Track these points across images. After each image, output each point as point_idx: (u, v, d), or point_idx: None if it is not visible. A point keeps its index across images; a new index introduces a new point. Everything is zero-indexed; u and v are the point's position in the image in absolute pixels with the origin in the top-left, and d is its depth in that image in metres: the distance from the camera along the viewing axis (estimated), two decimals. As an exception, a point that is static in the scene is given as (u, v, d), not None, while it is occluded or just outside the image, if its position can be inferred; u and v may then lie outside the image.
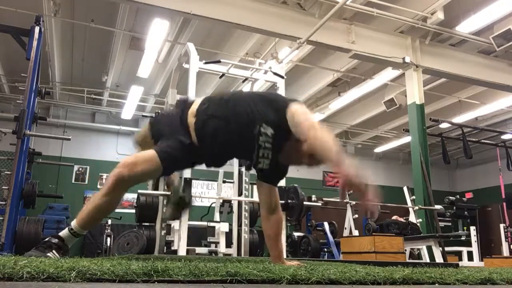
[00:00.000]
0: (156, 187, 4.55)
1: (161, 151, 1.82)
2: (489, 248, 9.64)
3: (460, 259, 6.84)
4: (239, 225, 4.56)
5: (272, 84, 4.97)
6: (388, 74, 7.85)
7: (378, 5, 5.93)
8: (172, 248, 4.27)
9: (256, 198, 4.58)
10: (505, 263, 4.48)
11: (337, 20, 6.11)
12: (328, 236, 6.38)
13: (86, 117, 10.48)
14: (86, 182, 10.01)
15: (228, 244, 4.75)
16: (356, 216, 6.57)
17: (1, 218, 4.03)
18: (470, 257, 6.45)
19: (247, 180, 4.71)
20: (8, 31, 4.05)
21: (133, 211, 4.84)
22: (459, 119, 9.20)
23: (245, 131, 1.81)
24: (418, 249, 6.12)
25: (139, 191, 4.07)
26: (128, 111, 9.76)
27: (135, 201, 4.74)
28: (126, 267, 1.05)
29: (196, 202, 5.65)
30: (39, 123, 5.53)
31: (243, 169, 4.70)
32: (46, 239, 1.74)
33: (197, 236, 5.30)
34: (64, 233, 1.77)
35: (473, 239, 6.05)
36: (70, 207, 8.11)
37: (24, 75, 3.79)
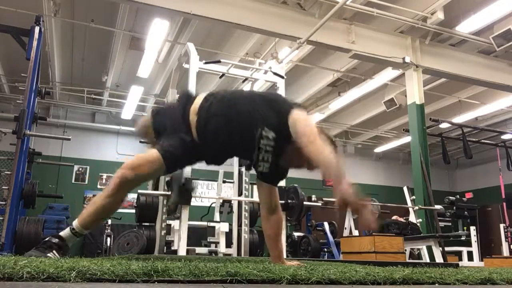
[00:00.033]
0: (156, 187, 4.56)
1: (164, 150, 1.84)
2: (489, 248, 9.64)
3: (460, 259, 6.84)
4: (239, 225, 4.56)
5: (272, 84, 4.96)
6: (388, 74, 7.85)
7: (378, 5, 5.93)
8: (172, 248, 4.27)
9: (256, 198, 4.58)
10: (505, 263, 4.48)
11: (337, 20, 6.11)
12: (328, 236, 6.38)
13: (86, 117, 10.48)
14: (86, 182, 10.00)
15: (228, 244, 4.75)
16: (356, 216, 6.56)
17: (1, 218, 4.03)
18: (470, 257, 6.45)
19: (247, 180, 4.71)
20: (8, 31, 4.05)
21: (133, 211, 4.85)
22: (459, 119, 9.20)
23: (247, 132, 1.82)
24: (418, 249, 6.12)
25: (139, 191, 4.07)
26: (128, 111, 9.76)
27: (135, 201, 4.74)
28: (126, 267, 1.05)
29: (196, 202, 5.65)
30: (39, 123, 5.53)
31: (243, 169, 4.70)
32: (47, 239, 1.75)
33: (197, 236, 5.30)
34: (65, 233, 1.78)
35: (473, 239, 6.06)
36: (70, 207, 8.11)
37: (24, 75, 3.79)
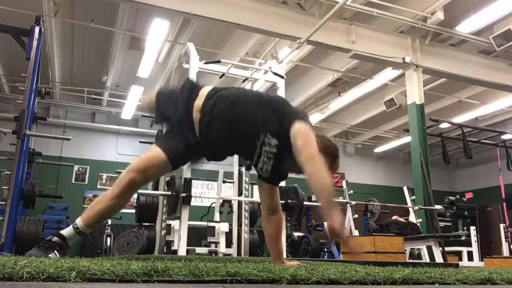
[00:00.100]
0: (156, 187, 4.56)
1: (169, 149, 1.87)
2: (489, 248, 9.64)
3: (460, 259, 6.85)
4: (239, 225, 4.56)
5: (272, 84, 4.97)
6: (388, 74, 7.85)
7: (378, 5, 5.93)
8: (172, 248, 4.28)
9: (256, 198, 4.58)
10: (505, 263, 4.49)
11: (337, 20, 6.11)
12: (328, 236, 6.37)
13: (86, 117, 10.48)
14: (86, 182, 10.00)
15: (228, 244, 4.75)
16: (356, 216, 6.57)
17: (1, 218, 4.03)
18: (470, 257, 6.46)
19: (247, 180, 4.71)
20: (8, 31, 4.05)
21: (133, 211, 4.84)
22: (459, 119, 9.20)
23: (249, 134, 1.84)
24: (418, 249, 6.12)
25: (139, 191, 4.07)
26: (128, 111, 9.75)
27: (135, 201, 4.75)
28: (126, 267, 1.05)
29: (196, 202, 5.65)
30: (39, 123, 5.53)
31: (243, 169, 4.70)
32: (48, 238, 1.75)
33: (197, 236, 5.30)
34: (67, 231, 1.78)
35: (473, 239, 6.06)
36: (70, 207, 8.11)
37: (24, 75, 3.79)
